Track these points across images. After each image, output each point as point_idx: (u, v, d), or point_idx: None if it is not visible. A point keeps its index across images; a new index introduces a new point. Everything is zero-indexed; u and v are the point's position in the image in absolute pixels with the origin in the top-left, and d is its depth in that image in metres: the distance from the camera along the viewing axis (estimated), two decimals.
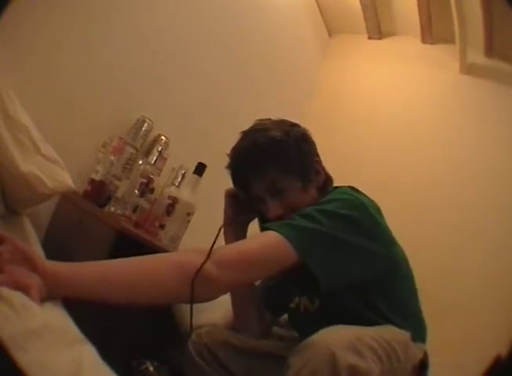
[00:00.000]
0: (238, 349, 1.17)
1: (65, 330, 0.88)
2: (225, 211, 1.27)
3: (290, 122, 1.19)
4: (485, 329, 2.28)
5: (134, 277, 0.81)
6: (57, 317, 0.90)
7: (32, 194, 1.16)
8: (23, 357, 0.63)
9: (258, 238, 0.97)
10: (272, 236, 0.93)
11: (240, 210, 1.24)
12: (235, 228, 1.24)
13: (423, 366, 1.00)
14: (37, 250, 1.05)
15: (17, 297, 0.72)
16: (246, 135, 1.16)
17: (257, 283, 1.32)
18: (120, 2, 1.81)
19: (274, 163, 1.09)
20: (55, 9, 1.49)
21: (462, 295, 2.40)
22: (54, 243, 1.35)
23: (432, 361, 1.04)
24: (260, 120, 1.20)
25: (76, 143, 1.64)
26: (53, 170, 1.22)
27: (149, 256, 0.87)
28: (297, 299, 1.17)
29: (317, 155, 1.19)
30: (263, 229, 1.02)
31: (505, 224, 2.53)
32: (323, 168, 1.20)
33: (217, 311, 1.50)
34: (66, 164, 1.27)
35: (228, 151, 1.18)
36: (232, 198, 1.26)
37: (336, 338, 0.78)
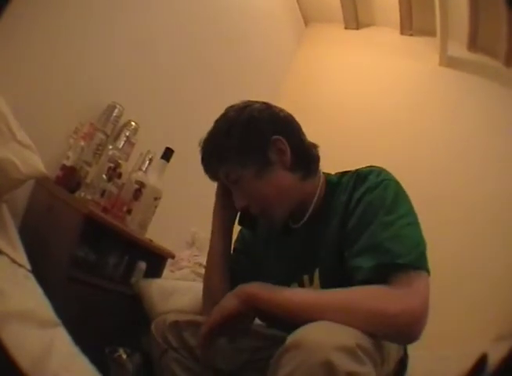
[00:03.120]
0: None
1: (39, 313, 0.94)
2: (216, 194, 1.22)
3: (245, 104, 1.10)
4: (471, 322, 2.36)
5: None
6: (33, 301, 0.96)
7: (6, 180, 1.17)
8: None
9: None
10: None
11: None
12: (228, 213, 1.20)
13: (402, 362, 1.00)
14: (14, 237, 1.09)
15: None
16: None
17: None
18: None
19: (218, 156, 1.07)
20: None
21: (448, 286, 2.42)
22: (30, 229, 1.39)
23: (417, 354, 1.07)
24: (227, 107, 1.13)
25: (48, 129, 1.65)
26: (26, 155, 1.24)
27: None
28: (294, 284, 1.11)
29: (278, 133, 1.05)
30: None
31: (484, 214, 2.64)
32: (297, 146, 1.07)
33: (184, 297, 1.56)
34: (40, 150, 1.28)
35: (198, 137, 1.13)
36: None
37: (332, 339, 0.70)
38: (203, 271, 2.14)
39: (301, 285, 1.07)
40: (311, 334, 0.72)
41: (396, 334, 0.80)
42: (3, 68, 1.45)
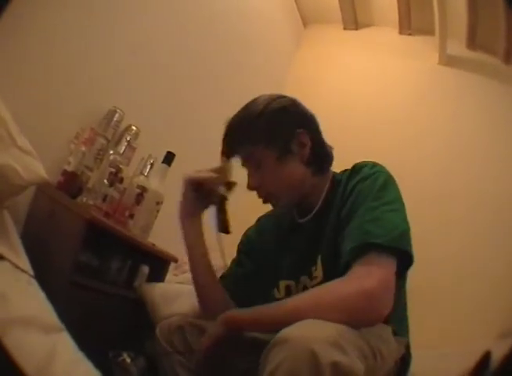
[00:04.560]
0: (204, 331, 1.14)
1: (42, 318, 0.94)
2: (186, 200, 1.23)
3: (277, 95, 1.17)
4: (474, 321, 2.35)
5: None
6: (36, 306, 0.96)
7: (8, 186, 1.18)
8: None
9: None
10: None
11: (201, 199, 1.23)
12: (196, 219, 1.24)
13: (404, 361, 1.01)
14: (16, 243, 1.09)
15: None
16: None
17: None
18: None
19: (245, 138, 1.11)
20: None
21: (450, 285, 2.48)
22: (32, 235, 1.38)
23: (420, 352, 1.08)
24: (260, 95, 1.19)
25: (49, 135, 1.65)
26: (28, 162, 1.24)
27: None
28: (290, 282, 1.16)
29: (302, 127, 1.12)
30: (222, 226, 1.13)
31: (486, 212, 2.63)
32: (316, 142, 1.14)
33: (188, 301, 1.55)
34: (40, 155, 1.29)
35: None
36: (193, 186, 1.22)
37: (316, 333, 0.74)
38: None
39: (310, 277, 1.11)
40: (295, 330, 0.75)
41: (356, 314, 0.84)
42: (3, 73, 1.45)
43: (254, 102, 1.16)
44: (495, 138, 2.78)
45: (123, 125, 1.87)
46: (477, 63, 2.99)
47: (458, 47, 3.02)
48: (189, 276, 2.09)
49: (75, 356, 0.92)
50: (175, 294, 1.64)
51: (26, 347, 0.84)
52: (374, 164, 1.08)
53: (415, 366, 1.06)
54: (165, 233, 2.00)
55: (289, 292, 1.16)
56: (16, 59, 1.52)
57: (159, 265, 1.85)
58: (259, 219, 1.36)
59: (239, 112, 1.17)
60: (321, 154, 1.15)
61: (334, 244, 1.03)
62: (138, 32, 2.08)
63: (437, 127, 2.99)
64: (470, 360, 0.77)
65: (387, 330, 0.93)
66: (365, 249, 0.90)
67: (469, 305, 2.43)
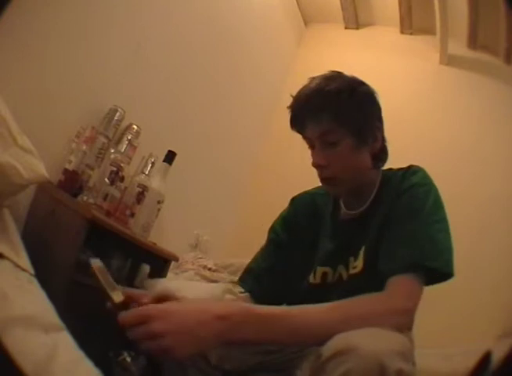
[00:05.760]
0: None
1: (43, 318, 0.94)
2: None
3: (361, 81, 1.15)
4: (474, 321, 2.36)
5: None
6: (36, 305, 0.96)
7: (8, 185, 1.17)
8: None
9: None
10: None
11: None
12: None
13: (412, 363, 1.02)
14: (16, 241, 1.09)
15: None
16: (313, 79, 1.14)
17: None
18: None
19: (332, 113, 1.06)
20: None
21: (450, 285, 2.45)
22: (32, 234, 1.38)
23: (423, 352, 1.09)
24: (331, 71, 1.17)
25: (50, 134, 1.65)
26: (28, 160, 1.23)
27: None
28: (327, 269, 1.16)
29: (380, 121, 1.15)
30: None
31: (487, 213, 2.64)
32: (383, 138, 1.16)
33: (189, 296, 1.55)
34: (41, 154, 1.29)
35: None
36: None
37: (383, 342, 0.74)
38: (206, 273, 2.16)
39: (347, 267, 1.12)
40: (362, 339, 0.74)
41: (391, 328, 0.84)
42: (3, 72, 1.45)
43: (339, 77, 1.13)
44: (496, 137, 2.78)
45: (124, 124, 1.88)
46: (478, 62, 2.98)
47: (459, 47, 3.02)
48: (190, 274, 2.11)
49: (76, 355, 0.92)
50: (176, 290, 1.63)
51: (26, 346, 0.83)
52: (427, 174, 1.13)
53: (417, 365, 1.06)
54: (166, 232, 2.02)
55: (325, 279, 1.16)
56: (17, 58, 1.52)
57: (160, 264, 1.86)
58: (293, 200, 1.32)
59: (320, 83, 1.10)
60: (383, 150, 1.17)
61: (378, 239, 1.05)
62: (140, 31, 2.08)
63: (438, 126, 2.98)
64: (471, 360, 0.77)
65: (411, 335, 0.97)
66: (417, 267, 0.93)
67: (469, 305, 2.43)
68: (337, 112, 1.06)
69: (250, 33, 2.96)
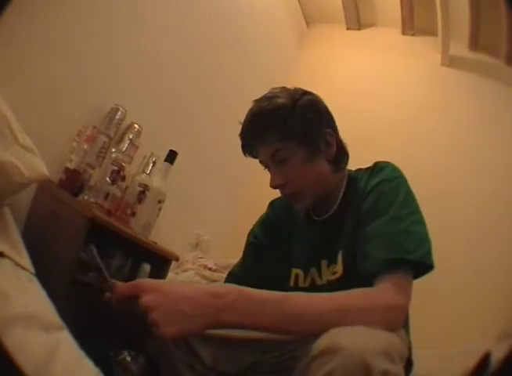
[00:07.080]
0: (206, 337, 1.11)
1: (43, 317, 0.94)
2: None
3: (303, 91, 1.15)
4: (474, 321, 2.35)
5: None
6: (37, 304, 0.96)
7: (9, 184, 1.17)
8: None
9: None
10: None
11: None
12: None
13: (409, 361, 1.00)
14: (17, 240, 1.09)
15: None
16: (256, 102, 1.14)
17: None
18: None
19: (277, 131, 1.07)
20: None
21: (450, 286, 2.46)
22: (33, 233, 1.38)
23: (423, 352, 1.09)
24: (273, 88, 1.15)
25: (51, 132, 1.65)
26: (29, 159, 1.23)
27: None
28: (298, 271, 1.16)
29: (329, 126, 1.14)
30: None
31: (487, 213, 2.63)
32: (338, 141, 1.15)
33: None
34: (42, 153, 1.28)
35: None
36: None
37: (369, 342, 0.72)
38: (207, 273, 2.16)
39: (319, 269, 1.13)
40: (347, 338, 0.72)
41: (386, 325, 0.82)
42: (4, 71, 1.45)
43: (282, 93, 1.11)
44: (497, 139, 2.78)
45: (125, 123, 1.88)
46: (479, 64, 2.99)
47: (460, 48, 3.02)
48: (190, 274, 2.11)
49: (76, 355, 0.91)
50: None
51: (26, 345, 0.83)
52: (395, 168, 1.10)
53: (415, 366, 1.06)
54: (167, 231, 2.02)
55: (296, 282, 1.16)
56: (18, 57, 1.52)
57: (160, 263, 1.85)
58: (272, 203, 1.33)
59: (260, 105, 1.11)
60: (341, 153, 1.16)
61: (354, 242, 1.04)
62: (142, 30, 2.08)
63: (439, 127, 2.98)
64: (470, 361, 0.77)
65: (403, 334, 0.94)
66: (398, 262, 0.92)
67: (469, 305, 2.43)
68: (282, 128, 1.07)
69: (252, 33, 2.96)
